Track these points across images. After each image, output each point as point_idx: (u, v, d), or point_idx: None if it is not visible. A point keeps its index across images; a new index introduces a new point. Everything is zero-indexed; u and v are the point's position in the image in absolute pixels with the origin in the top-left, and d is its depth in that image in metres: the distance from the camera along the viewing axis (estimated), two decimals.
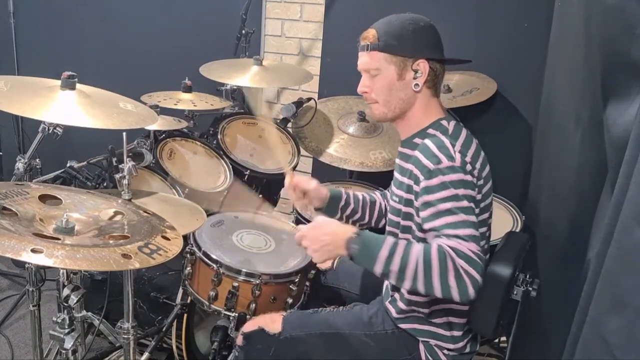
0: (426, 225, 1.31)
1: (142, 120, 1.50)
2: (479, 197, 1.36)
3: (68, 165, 1.97)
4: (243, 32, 2.70)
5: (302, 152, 2.40)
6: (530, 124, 2.51)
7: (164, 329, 1.91)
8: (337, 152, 2.36)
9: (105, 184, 1.96)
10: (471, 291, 1.22)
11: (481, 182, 1.37)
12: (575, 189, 1.62)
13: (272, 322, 1.55)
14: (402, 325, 1.50)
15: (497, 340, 2.27)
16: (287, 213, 2.59)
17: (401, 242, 1.29)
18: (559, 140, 1.88)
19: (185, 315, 1.91)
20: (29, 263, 1.71)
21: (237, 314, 1.63)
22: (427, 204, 1.30)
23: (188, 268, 1.72)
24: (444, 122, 1.42)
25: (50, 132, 1.77)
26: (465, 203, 1.28)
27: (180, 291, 1.88)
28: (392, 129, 2.40)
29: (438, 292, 1.23)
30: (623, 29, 1.14)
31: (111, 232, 1.24)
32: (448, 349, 1.46)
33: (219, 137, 2.30)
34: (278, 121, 2.44)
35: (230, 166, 2.21)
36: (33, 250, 0.99)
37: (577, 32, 1.62)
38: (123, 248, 1.10)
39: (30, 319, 1.82)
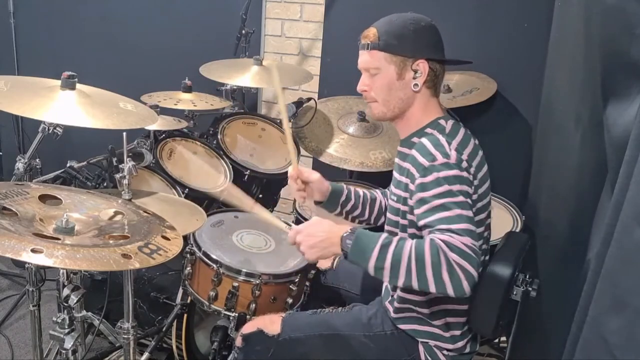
0: (421, 222, 1.30)
1: (142, 120, 1.50)
2: (475, 196, 1.36)
3: (68, 165, 1.97)
4: (243, 32, 2.70)
5: (302, 152, 2.40)
6: (530, 124, 2.51)
7: (164, 329, 1.91)
8: (337, 152, 2.36)
9: (105, 184, 1.96)
10: (465, 285, 1.19)
11: (477, 182, 1.37)
12: (575, 189, 1.62)
13: (271, 324, 1.55)
14: (402, 326, 1.50)
15: (497, 340, 2.27)
16: (287, 213, 2.59)
17: (394, 238, 1.27)
18: (559, 140, 1.88)
19: (185, 315, 1.91)
20: (29, 263, 1.71)
21: (237, 314, 1.63)
22: (421, 201, 1.30)
23: (188, 268, 1.72)
24: (442, 121, 1.42)
25: (50, 132, 1.77)
26: (460, 198, 1.26)
27: (180, 291, 1.88)
28: (392, 129, 2.40)
29: (432, 288, 1.21)
30: (623, 29, 1.14)
31: (111, 232, 1.24)
32: (447, 350, 1.46)
33: (219, 137, 2.30)
34: (278, 121, 2.45)
35: (230, 166, 2.21)
36: (33, 250, 0.99)
37: (577, 32, 1.62)
38: (123, 248, 1.10)
39: (30, 319, 1.82)
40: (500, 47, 2.53)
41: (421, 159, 1.32)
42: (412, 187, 1.35)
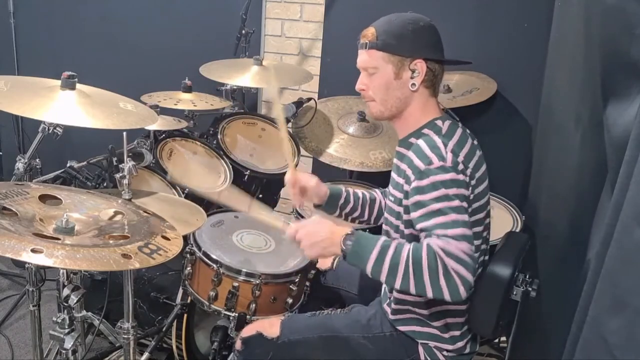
0: (418, 226, 1.30)
1: (142, 120, 1.50)
2: (471, 197, 1.35)
3: (68, 165, 1.97)
4: (243, 32, 2.70)
5: (302, 152, 2.40)
6: (530, 124, 2.51)
7: (164, 329, 1.91)
8: (337, 152, 2.37)
9: (105, 184, 1.96)
10: (462, 291, 1.21)
11: (474, 182, 1.36)
12: (575, 189, 1.62)
13: (270, 327, 1.55)
14: (401, 328, 1.50)
15: (497, 340, 2.27)
16: (287, 213, 2.59)
17: (393, 242, 1.29)
18: (559, 140, 1.88)
19: (185, 315, 1.91)
20: (29, 263, 1.71)
21: (237, 314, 1.63)
22: (418, 204, 1.30)
23: (188, 268, 1.72)
24: (439, 122, 1.41)
25: (50, 132, 1.77)
26: (456, 202, 1.27)
27: (180, 291, 1.88)
28: (392, 129, 2.40)
29: (429, 293, 1.22)
30: (623, 29, 1.14)
31: (111, 232, 1.24)
32: (447, 350, 1.46)
33: (219, 137, 2.30)
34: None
35: (230, 166, 2.21)
36: (33, 250, 0.99)
37: (577, 32, 1.62)
38: (123, 248, 1.10)
39: (30, 319, 1.81)
40: (500, 47, 2.53)
41: (417, 162, 1.32)
42: (407, 187, 1.36)
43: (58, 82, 1.44)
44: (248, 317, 1.63)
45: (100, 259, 1.04)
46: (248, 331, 1.57)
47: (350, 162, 2.32)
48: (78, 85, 1.45)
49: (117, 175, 1.54)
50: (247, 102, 2.92)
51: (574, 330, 1.26)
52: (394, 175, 1.51)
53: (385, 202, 1.71)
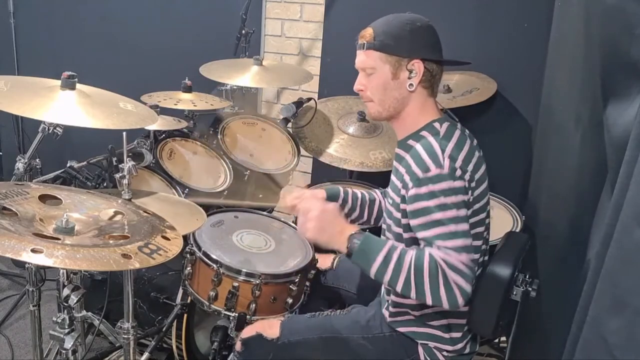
0: (418, 235, 1.34)
1: (142, 120, 1.50)
2: (471, 199, 1.36)
3: (68, 165, 1.97)
4: (243, 32, 2.70)
5: (302, 152, 2.40)
6: (530, 124, 2.51)
7: (164, 329, 1.91)
8: (337, 152, 2.36)
9: (105, 184, 1.96)
10: (460, 300, 1.27)
11: (473, 184, 1.36)
12: (575, 189, 1.62)
13: (270, 328, 1.55)
14: (400, 329, 1.50)
15: (497, 340, 2.27)
16: (287, 213, 2.59)
17: (398, 248, 1.32)
18: (559, 140, 1.88)
19: (185, 315, 1.91)
20: (29, 263, 1.71)
21: (237, 314, 1.63)
22: (416, 213, 1.32)
23: (188, 268, 1.72)
24: (436, 124, 1.41)
25: (50, 132, 1.77)
26: (454, 212, 1.29)
27: (180, 291, 1.88)
28: (392, 129, 2.38)
29: (429, 301, 1.28)
30: (623, 29, 1.14)
31: (111, 232, 1.23)
32: (447, 351, 1.46)
33: (219, 137, 2.30)
34: (278, 121, 2.44)
35: (230, 166, 2.21)
36: (33, 250, 0.99)
37: (577, 32, 1.62)
38: (123, 248, 1.10)
39: (30, 319, 1.82)
40: (500, 47, 2.53)
41: (415, 168, 1.32)
42: (404, 192, 1.37)
43: (58, 82, 1.43)
44: (248, 317, 1.63)
45: (100, 259, 1.04)
46: (248, 332, 1.57)
47: (350, 162, 2.32)
48: (78, 85, 1.45)
49: (117, 175, 1.54)
50: (247, 102, 2.92)
51: (574, 330, 1.26)
52: (393, 177, 1.51)
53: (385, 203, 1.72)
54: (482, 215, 1.43)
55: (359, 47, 1.45)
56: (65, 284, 1.44)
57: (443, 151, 1.32)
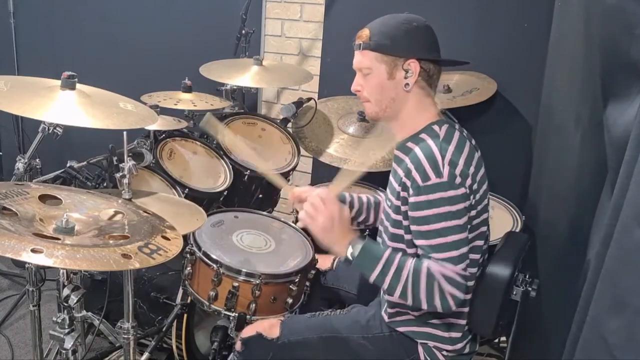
0: (416, 242, 1.36)
1: (142, 120, 1.50)
2: (473, 202, 1.36)
3: (68, 165, 1.97)
4: (243, 32, 2.70)
5: (302, 152, 2.40)
6: (530, 124, 2.50)
7: (164, 329, 1.91)
8: (337, 152, 2.36)
9: (105, 184, 1.96)
10: (453, 307, 1.32)
11: (475, 185, 1.36)
12: (575, 189, 1.62)
13: (270, 328, 1.56)
14: (400, 329, 1.50)
15: (497, 340, 2.27)
16: (287, 213, 2.59)
17: (397, 255, 1.35)
18: (559, 140, 1.88)
19: (185, 315, 1.91)
20: (29, 263, 1.71)
21: (237, 314, 1.63)
22: (416, 220, 1.34)
23: (188, 268, 1.72)
24: (436, 127, 1.40)
25: (50, 132, 1.77)
26: (452, 222, 1.30)
27: (180, 291, 1.88)
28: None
29: (424, 307, 1.34)
30: (623, 29, 1.14)
31: (111, 232, 1.23)
32: (447, 350, 1.46)
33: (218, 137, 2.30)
34: (278, 121, 2.44)
35: (230, 166, 2.21)
36: (33, 250, 0.99)
37: (577, 32, 1.62)
38: (123, 248, 1.10)
39: (30, 319, 1.82)
40: (500, 47, 2.53)
41: (415, 174, 1.32)
42: (404, 194, 1.37)
43: (58, 82, 1.43)
44: (248, 317, 1.63)
45: (100, 259, 1.04)
46: (248, 332, 1.57)
47: (350, 162, 2.32)
48: (78, 85, 1.45)
49: (117, 175, 1.55)
50: (247, 102, 2.92)
51: (574, 330, 1.26)
52: (391, 179, 1.50)
53: None
54: (485, 215, 1.43)
55: (355, 48, 1.45)
56: (65, 284, 1.44)
57: (443, 157, 1.31)
